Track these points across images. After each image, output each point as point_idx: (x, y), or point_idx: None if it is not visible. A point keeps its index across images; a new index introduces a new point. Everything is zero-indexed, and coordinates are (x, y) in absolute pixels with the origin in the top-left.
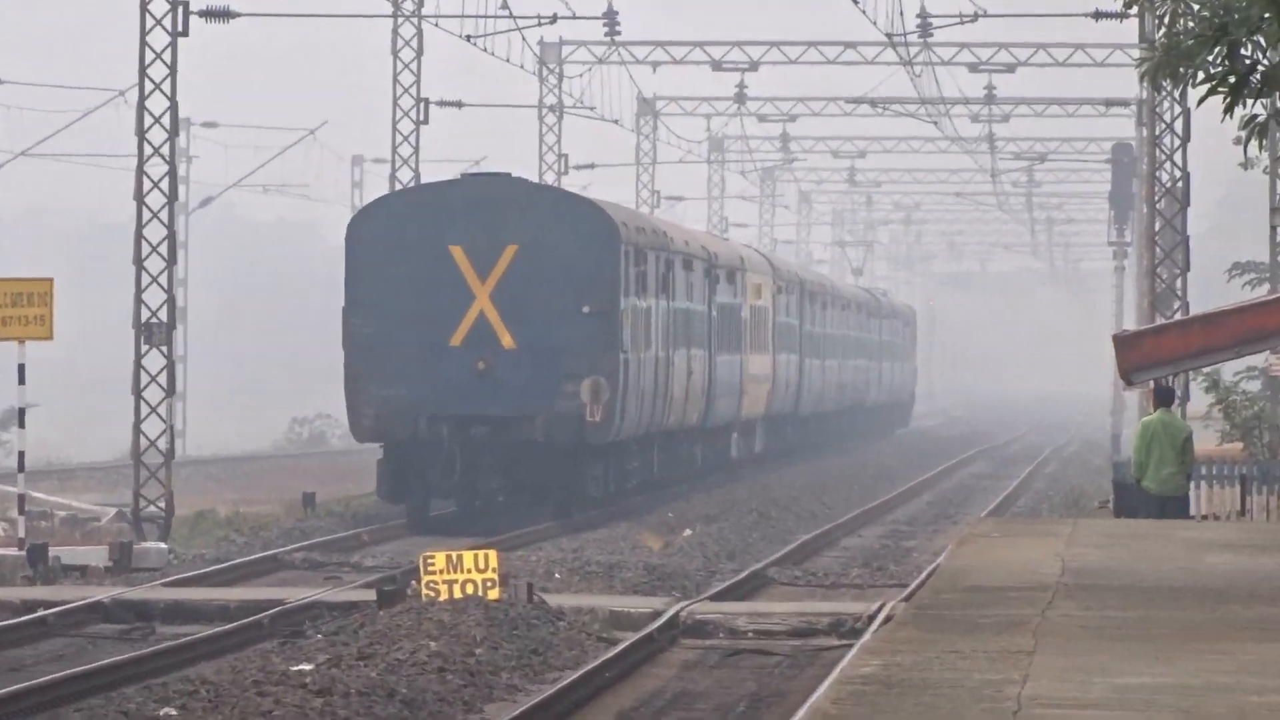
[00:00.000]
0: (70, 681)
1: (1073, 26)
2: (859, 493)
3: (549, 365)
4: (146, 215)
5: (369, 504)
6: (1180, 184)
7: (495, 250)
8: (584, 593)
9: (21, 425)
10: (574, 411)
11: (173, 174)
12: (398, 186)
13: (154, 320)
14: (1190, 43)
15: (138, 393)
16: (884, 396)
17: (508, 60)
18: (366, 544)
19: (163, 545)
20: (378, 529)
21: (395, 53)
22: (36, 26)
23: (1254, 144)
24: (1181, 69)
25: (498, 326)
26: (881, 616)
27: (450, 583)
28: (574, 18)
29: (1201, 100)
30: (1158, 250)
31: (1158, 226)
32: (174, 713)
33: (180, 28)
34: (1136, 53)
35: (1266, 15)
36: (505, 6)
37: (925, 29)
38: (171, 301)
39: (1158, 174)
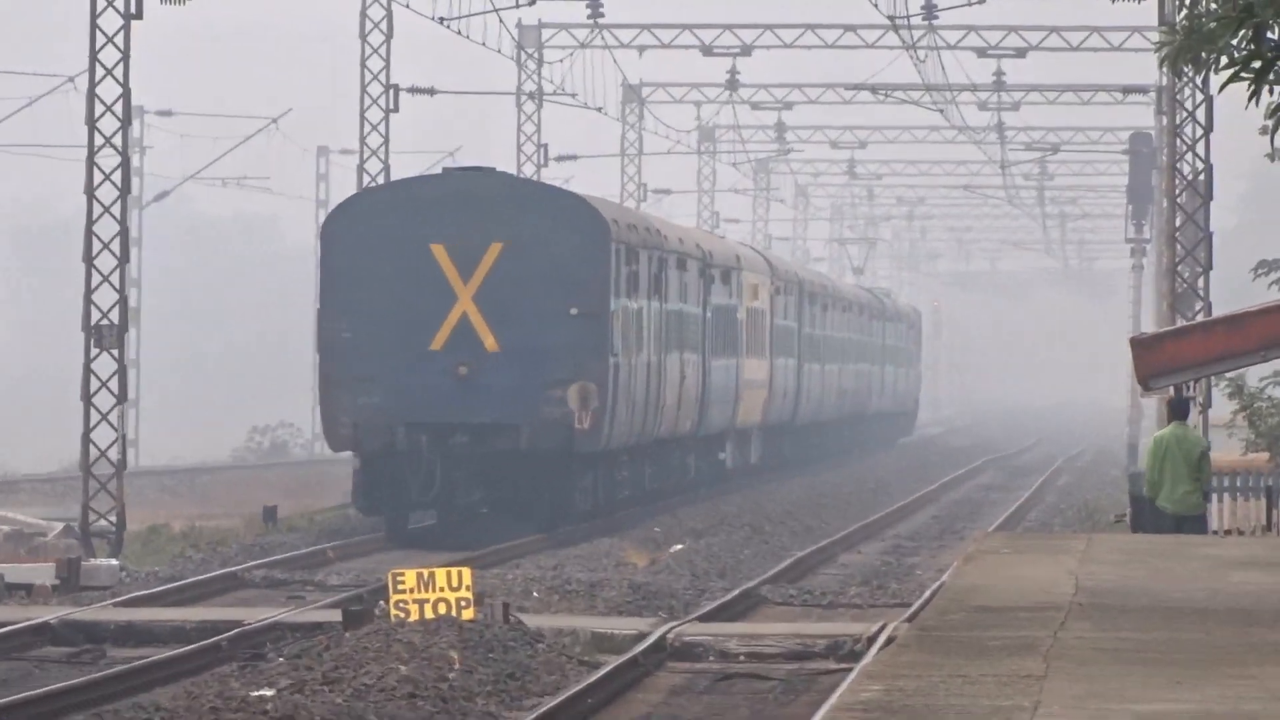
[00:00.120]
0: (15, 709)
1: (1087, 8)
2: (859, 506)
3: (535, 370)
4: (97, 210)
5: (334, 518)
6: (1202, 176)
7: (479, 249)
8: (564, 613)
9: None
10: (561, 419)
11: (125, 166)
12: (366, 179)
13: (105, 322)
14: (1213, 25)
15: (87, 399)
16: (887, 404)
17: (484, 44)
18: (332, 561)
19: (114, 562)
20: (343, 545)
21: (363, 36)
22: None
23: None
24: (1204, 53)
25: (481, 329)
26: (882, 638)
27: (421, 602)
28: None
29: (1224, 86)
30: (1178, 247)
31: (1178, 222)
32: None
33: (133, 9)
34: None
35: None
36: None
37: (930, 11)
38: (123, 302)
39: (1178, 166)
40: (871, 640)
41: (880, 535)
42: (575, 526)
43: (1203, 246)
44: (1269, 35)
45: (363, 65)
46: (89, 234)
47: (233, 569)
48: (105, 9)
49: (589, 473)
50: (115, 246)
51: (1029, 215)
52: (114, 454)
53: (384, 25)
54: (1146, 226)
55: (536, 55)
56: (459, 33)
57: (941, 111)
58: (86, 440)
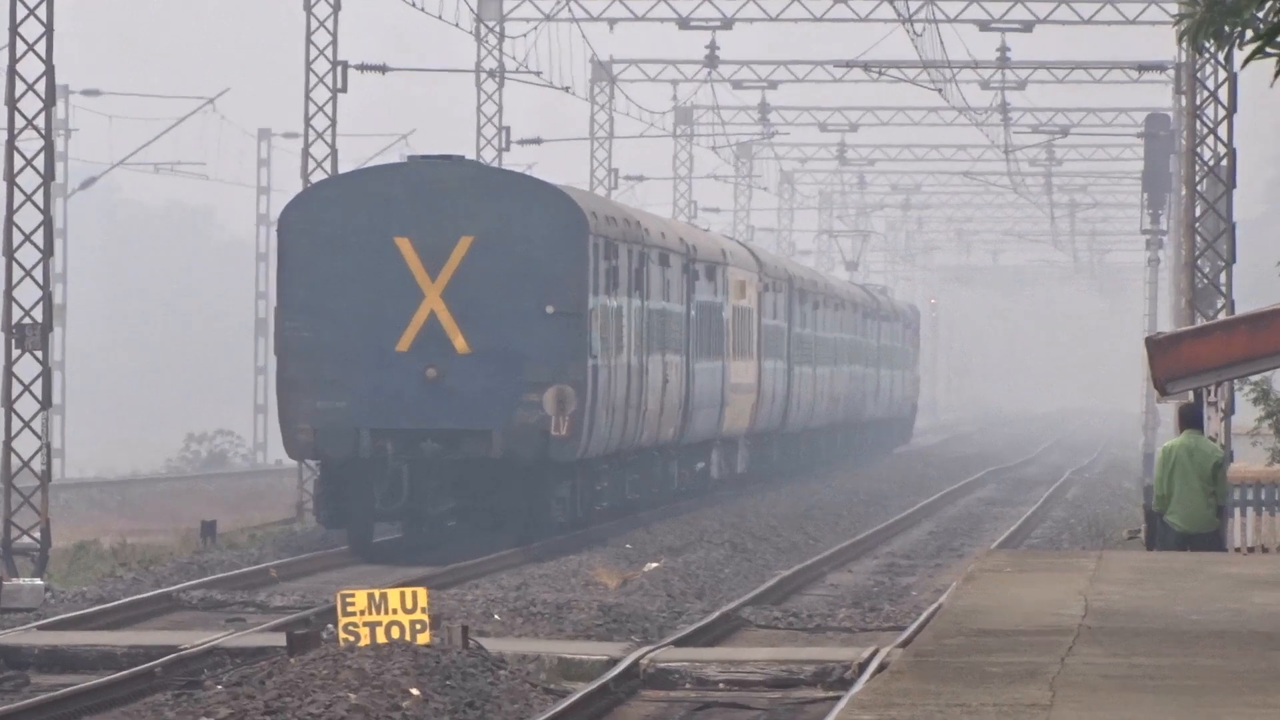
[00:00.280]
0: None
1: None
2: (850, 520)
3: (508, 373)
4: (19, 198)
5: (278, 533)
6: (1225, 162)
7: (447, 243)
8: (528, 636)
9: None
10: (536, 425)
11: (49, 150)
12: (311, 164)
13: (27, 321)
14: None
15: (8, 404)
16: (882, 410)
17: (440, 17)
18: (275, 580)
19: (38, 582)
20: (288, 562)
21: (309, 8)
22: None
23: None
24: (1227, 27)
25: (450, 329)
26: (874, 665)
27: (373, 625)
28: None
29: (1247, 61)
30: (1198, 239)
31: (1198, 211)
32: None
33: None
34: (1174, 8)
35: None
36: None
37: None
38: (48, 299)
39: (1199, 150)
40: (862, 667)
41: (873, 552)
42: (551, 540)
43: (1225, 238)
44: None
45: (308, 40)
46: (9, 225)
47: (167, 589)
48: None
49: (566, 482)
50: (38, 238)
51: (1035, 204)
52: (38, 464)
53: None
54: (1164, 216)
55: (497, 29)
56: (413, 4)
57: (940, 91)
58: (8, 449)
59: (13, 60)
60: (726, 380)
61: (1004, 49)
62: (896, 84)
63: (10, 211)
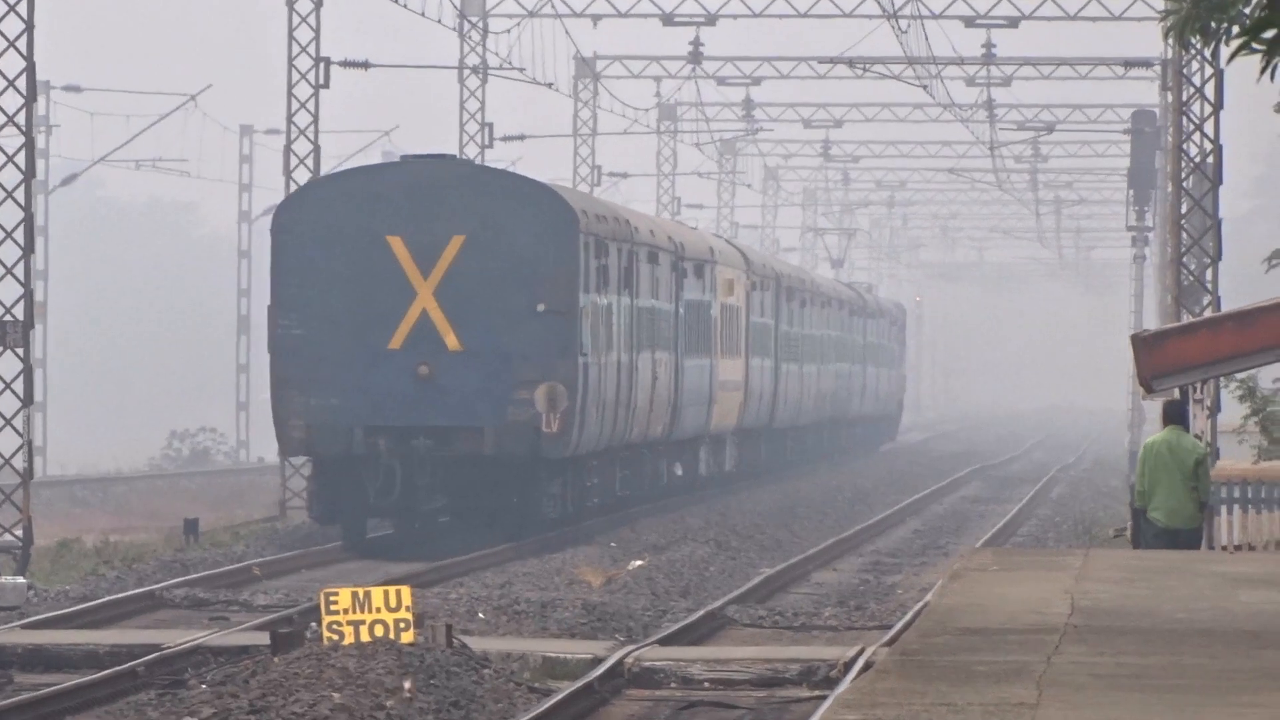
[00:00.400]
0: None
1: None
2: (835, 518)
3: (500, 370)
4: None
5: (261, 531)
6: (1211, 158)
7: (439, 241)
8: (512, 635)
9: None
10: (528, 422)
11: (30, 146)
12: (293, 161)
13: (8, 318)
14: None
15: None
16: (868, 407)
17: (422, 13)
18: (259, 578)
19: (20, 580)
20: (271, 560)
21: (290, 4)
22: None
23: None
24: (1213, 22)
25: (442, 327)
26: (860, 664)
27: (356, 624)
28: None
29: (1232, 57)
30: (1184, 236)
31: (1184, 208)
32: None
33: None
34: (1160, 4)
35: None
36: None
37: None
38: (29, 296)
39: (1185, 146)
40: (848, 666)
41: (858, 550)
42: (536, 537)
43: (1211, 235)
44: None
45: (290, 36)
46: None
47: (150, 588)
48: None
49: (558, 479)
50: (19, 235)
51: (1020, 201)
52: (19, 462)
53: None
54: (1149, 213)
55: (480, 25)
56: (395, 0)
57: (925, 87)
58: None
59: None
60: (715, 378)
61: (989, 45)
62: (881, 80)
63: None
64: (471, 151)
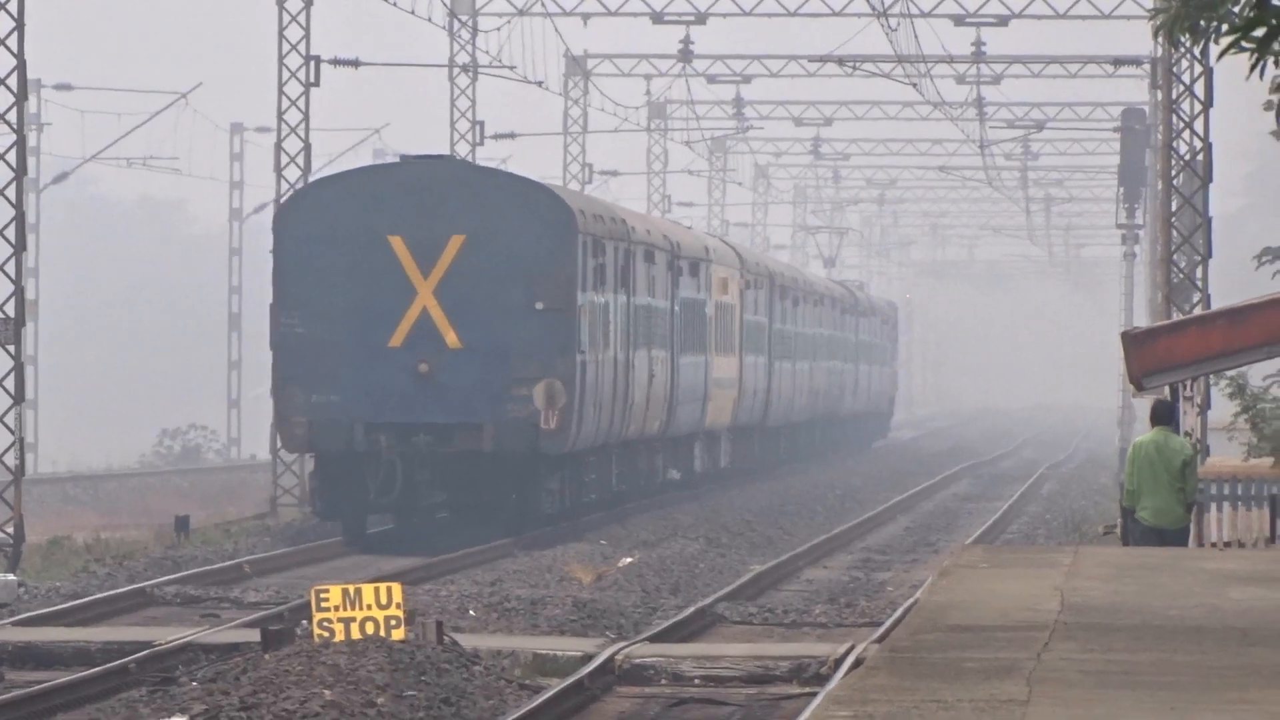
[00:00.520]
0: None
1: None
2: (826, 515)
3: (498, 368)
4: None
5: (252, 528)
6: (1201, 156)
7: (439, 241)
8: (503, 632)
9: None
10: (526, 418)
11: (21, 144)
12: (284, 159)
13: (0, 316)
14: None
15: None
16: (860, 405)
17: (412, 11)
18: (249, 576)
19: (11, 577)
20: (262, 558)
21: (281, 2)
22: None
23: None
24: (1203, 21)
25: (442, 325)
26: (850, 660)
27: (347, 621)
28: None
29: (1222, 55)
30: (1174, 234)
31: (1174, 206)
32: None
33: None
34: (1150, 2)
35: None
36: None
37: None
38: (20, 294)
39: (1174, 144)
40: (838, 662)
41: (848, 547)
42: (531, 534)
43: (1201, 233)
44: (1274, 0)
45: (280, 34)
46: None
47: (141, 585)
48: None
49: (556, 475)
50: (10, 233)
51: (1010, 199)
52: (11, 459)
53: None
54: (1139, 211)
55: (470, 24)
56: None
57: (915, 85)
58: None
59: None
60: (710, 375)
61: (979, 43)
62: (871, 78)
63: None
64: (462, 149)
